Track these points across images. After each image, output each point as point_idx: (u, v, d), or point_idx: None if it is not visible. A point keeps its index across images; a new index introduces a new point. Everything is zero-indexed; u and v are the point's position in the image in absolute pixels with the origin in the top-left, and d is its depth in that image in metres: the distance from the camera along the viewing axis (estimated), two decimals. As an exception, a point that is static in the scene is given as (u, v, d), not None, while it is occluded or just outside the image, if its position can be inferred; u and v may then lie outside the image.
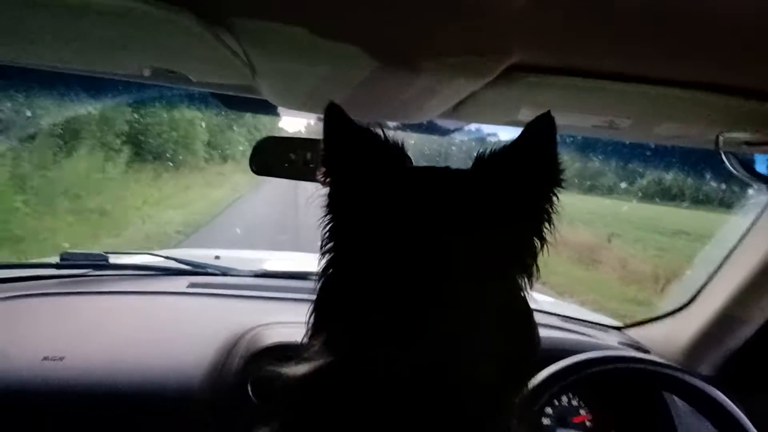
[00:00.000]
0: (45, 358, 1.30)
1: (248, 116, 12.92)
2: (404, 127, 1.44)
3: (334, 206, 0.84)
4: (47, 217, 7.30)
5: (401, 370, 0.68)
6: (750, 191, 1.54)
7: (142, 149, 10.86)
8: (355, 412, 0.67)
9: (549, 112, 0.79)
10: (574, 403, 1.64)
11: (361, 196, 0.81)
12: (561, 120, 0.81)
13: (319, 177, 0.85)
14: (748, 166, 1.22)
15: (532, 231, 0.82)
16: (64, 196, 8.03)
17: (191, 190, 11.91)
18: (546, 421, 1.60)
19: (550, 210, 0.82)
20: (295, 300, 1.78)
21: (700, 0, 0.65)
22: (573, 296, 6.78)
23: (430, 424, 0.66)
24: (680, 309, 1.71)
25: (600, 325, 1.95)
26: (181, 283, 1.82)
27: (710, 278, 1.61)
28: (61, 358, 1.31)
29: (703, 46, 0.76)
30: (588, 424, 1.63)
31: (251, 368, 1.36)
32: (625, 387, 1.62)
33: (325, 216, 0.84)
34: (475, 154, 0.84)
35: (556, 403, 1.62)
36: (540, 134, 0.81)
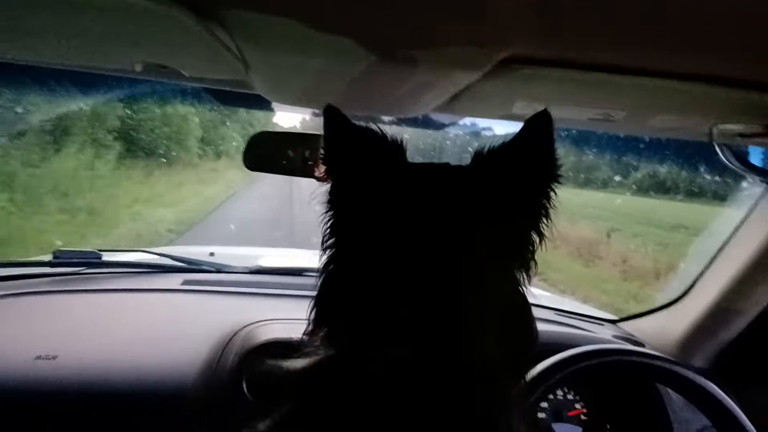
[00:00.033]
0: (38, 357, 1.29)
1: (242, 112, 12.85)
2: (399, 122, 1.43)
3: (334, 203, 0.85)
4: (34, 216, 7.17)
5: (402, 362, 0.68)
6: (744, 183, 1.55)
7: (134, 146, 10.70)
8: (356, 404, 0.67)
9: (546, 109, 0.81)
10: (569, 396, 1.65)
11: (362, 192, 0.82)
12: (556, 113, 0.81)
13: (320, 174, 0.86)
14: (741, 158, 1.23)
15: (530, 226, 0.83)
16: (52, 194, 7.88)
17: (184, 187, 11.75)
18: (541, 415, 1.61)
19: (548, 205, 0.83)
20: (290, 296, 1.78)
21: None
22: (575, 293, 6.75)
23: (431, 417, 0.67)
24: (674, 302, 1.72)
25: (594, 318, 1.96)
26: (175, 281, 1.82)
27: (704, 271, 1.61)
28: (54, 357, 1.30)
29: (698, 38, 0.76)
30: (583, 417, 1.64)
31: (246, 365, 1.36)
32: (619, 380, 1.62)
33: (326, 212, 0.85)
34: (474, 150, 0.85)
35: (551, 397, 1.63)
36: (538, 131, 0.82)
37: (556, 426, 1.61)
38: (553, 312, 1.92)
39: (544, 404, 1.62)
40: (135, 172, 10.55)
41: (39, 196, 7.59)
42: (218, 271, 1.95)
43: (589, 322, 1.92)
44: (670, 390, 1.53)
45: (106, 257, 1.85)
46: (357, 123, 0.85)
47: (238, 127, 14.53)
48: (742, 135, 1.10)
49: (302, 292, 1.78)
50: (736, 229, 1.51)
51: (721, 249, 1.55)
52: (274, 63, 0.95)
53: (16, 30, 0.89)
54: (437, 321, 0.72)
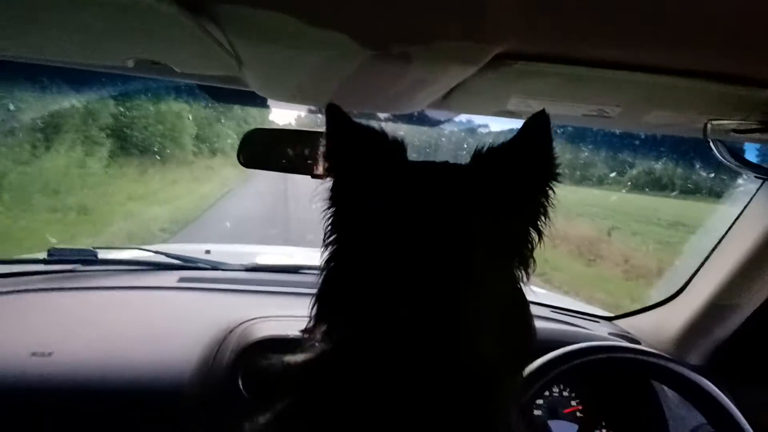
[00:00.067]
0: (33, 354, 1.29)
1: (237, 109, 12.79)
2: (395, 119, 1.43)
3: (336, 200, 0.86)
4: (22, 216, 7.02)
5: (401, 359, 0.70)
6: (739, 180, 1.55)
7: (127, 143, 10.53)
8: (355, 399, 0.68)
9: (544, 109, 0.83)
10: (565, 393, 1.65)
11: (363, 189, 0.83)
12: (551, 109, 0.82)
13: (320, 171, 0.87)
14: (736, 153, 1.22)
15: (529, 224, 0.85)
16: (42, 192, 7.72)
17: (178, 185, 11.62)
18: (537, 412, 1.61)
19: (547, 203, 0.85)
20: (286, 294, 1.78)
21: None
22: (579, 294, 6.62)
23: (429, 413, 0.68)
24: (670, 299, 1.72)
25: (590, 315, 1.96)
26: (171, 278, 1.82)
27: (700, 268, 1.62)
28: (50, 354, 1.30)
29: (693, 34, 0.76)
30: (579, 414, 1.64)
31: (242, 362, 1.36)
32: (615, 377, 1.63)
33: (328, 209, 0.86)
34: (473, 149, 0.86)
35: (547, 394, 1.63)
36: (536, 130, 0.84)
37: (552, 423, 1.61)
38: (548, 309, 1.92)
39: (540, 401, 1.62)
40: (128, 170, 10.41)
41: (28, 195, 7.46)
42: (214, 269, 1.95)
43: (585, 319, 1.92)
44: (665, 387, 1.53)
45: (102, 255, 1.85)
46: (358, 121, 0.85)
47: (234, 125, 14.44)
48: (736, 131, 1.10)
49: (298, 290, 1.79)
50: (732, 225, 1.51)
51: (716, 246, 1.56)
52: (267, 59, 0.95)
53: (12, 27, 0.88)
54: (436, 318, 0.73)
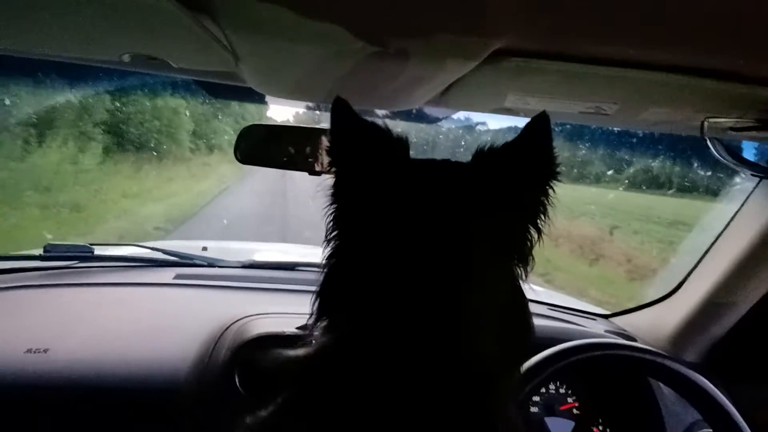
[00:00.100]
0: (28, 351, 1.29)
1: (235, 105, 12.72)
2: (393, 116, 1.43)
3: (338, 196, 0.87)
4: (12, 213, 6.88)
5: (401, 352, 0.71)
6: (736, 178, 1.55)
7: (123, 139, 10.43)
8: (354, 395, 0.69)
9: (545, 111, 0.83)
10: (561, 390, 1.66)
11: (365, 186, 0.83)
12: (548, 106, 0.82)
13: (320, 167, 0.87)
14: (733, 152, 1.23)
15: (528, 221, 0.85)
16: (33, 189, 7.55)
17: (174, 182, 11.53)
18: (533, 409, 1.61)
19: (546, 202, 0.85)
20: (283, 291, 1.78)
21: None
22: (583, 295, 6.44)
23: (428, 410, 0.68)
24: (666, 296, 1.73)
25: (587, 313, 1.96)
26: (167, 275, 1.81)
27: (696, 265, 1.62)
28: (45, 351, 1.30)
29: (690, 31, 0.76)
30: (575, 411, 1.64)
31: (238, 359, 1.36)
32: (611, 374, 1.63)
33: (330, 205, 0.86)
34: (475, 149, 0.86)
35: (543, 391, 1.63)
36: (537, 131, 0.84)
37: (548, 420, 1.62)
38: (545, 307, 1.93)
39: (537, 398, 1.62)
40: (123, 167, 10.29)
41: (19, 192, 7.31)
42: (211, 266, 1.94)
43: (582, 316, 1.92)
44: (661, 384, 1.53)
45: (98, 251, 1.85)
46: (364, 117, 0.86)
47: (231, 121, 14.38)
48: (733, 129, 1.10)
49: (295, 287, 1.79)
50: (728, 223, 1.51)
51: (713, 244, 1.56)
52: (263, 54, 0.95)
53: (10, 22, 0.88)
54: (437, 314, 0.74)
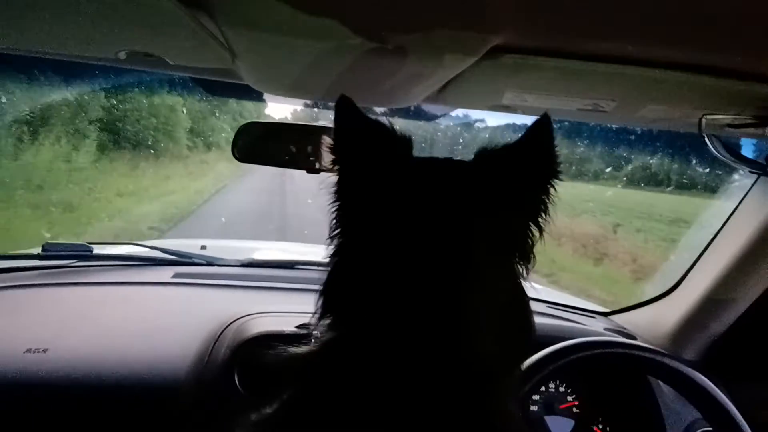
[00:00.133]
0: (27, 351, 1.29)
1: (232, 102, 12.64)
2: (391, 113, 1.43)
3: (342, 194, 0.87)
4: (1, 213, 6.72)
5: (403, 349, 0.71)
6: (734, 175, 1.55)
7: (119, 137, 10.26)
8: (357, 393, 0.70)
9: (547, 113, 0.84)
10: (561, 389, 1.66)
11: (369, 184, 0.84)
12: (546, 103, 0.82)
13: (327, 165, 0.88)
14: (731, 149, 1.23)
15: (530, 219, 0.86)
16: (24, 188, 7.35)
17: (171, 181, 11.38)
18: (533, 407, 1.61)
19: (547, 200, 0.86)
20: (282, 290, 1.78)
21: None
22: (590, 296, 6.16)
23: (429, 409, 0.69)
24: (666, 294, 1.72)
25: (586, 311, 1.96)
26: (166, 273, 1.81)
27: (695, 263, 1.62)
28: (45, 350, 1.30)
29: (689, 28, 0.76)
30: (575, 410, 1.64)
31: (238, 358, 1.36)
32: (611, 372, 1.63)
33: (334, 203, 0.87)
34: (478, 148, 0.87)
35: (543, 389, 1.63)
36: (540, 131, 0.85)
37: (548, 419, 1.62)
38: (544, 305, 1.93)
39: (536, 397, 1.62)
40: (119, 165, 10.14)
41: (11, 190, 7.16)
42: (209, 264, 1.94)
43: (581, 314, 1.92)
44: (661, 383, 1.53)
45: (97, 250, 1.85)
46: (368, 115, 0.86)
47: (229, 118, 14.30)
48: (731, 126, 1.10)
49: (294, 285, 1.79)
50: (727, 220, 1.51)
51: (711, 241, 1.56)
52: (261, 51, 0.95)
53: (7, 20, 0.88)
54: (438, 312, 0.74)
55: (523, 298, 0.85)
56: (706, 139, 1.18)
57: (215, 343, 1.39)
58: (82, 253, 1.80)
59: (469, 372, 0.73)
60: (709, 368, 1.40)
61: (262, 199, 11.38)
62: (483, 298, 0.78)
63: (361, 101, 0.86)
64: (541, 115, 0.84)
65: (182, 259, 1.94)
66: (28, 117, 7.44)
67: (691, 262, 1.63)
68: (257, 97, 1.43)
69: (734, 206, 1.49)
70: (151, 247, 1.99)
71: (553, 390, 1.65)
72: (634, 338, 1.71)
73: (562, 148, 0.87)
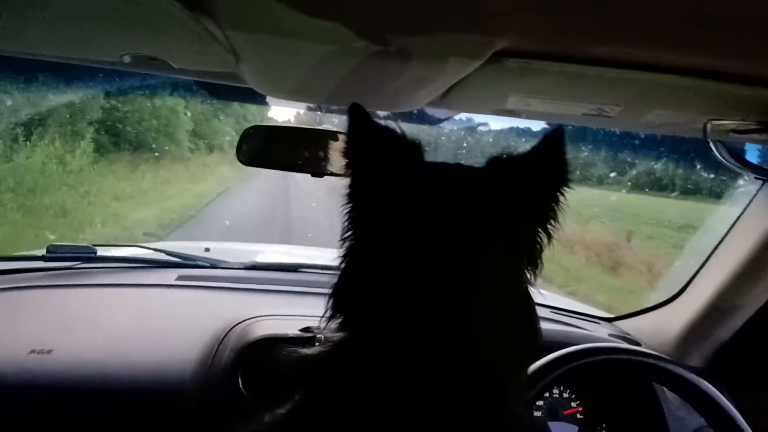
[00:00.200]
0: (32, 352, 1.29)
1: (236, 105, 12.58)
2: (394, 117, 1.43)
3: (354, 197, 0.88)
4: None
5: (411, 352, 0.73)
6: (739, 181, 1.54)
7: (119, 138, 10.18)
8: (367, 390, 0.72)
9: (561, 125, 0.88)
10: (565, 395, 1.65)
11: (381, 188, 0.85)
12: (550, 108, 0.82)
13: (339, 170, 0.90)
14: (736, 154, 1.22)
15: (539, 226, 0.87)
16: (15, 191, 7.09)
17: (171, 184, 11.19)
18: (537, 413, 1.61)
19: (557, 207, 0.87)
20: (286, 293, 1.78)
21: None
22: (612, 311, 6.03)
23: (437, 413, 0.70)
24: (670, 300, 1.71)
25: (591, 316, 1.95)
26: (170, 276, 1.81)
27: (700, 269, 1.61)
28: (49, 352, 1.30)
29: (693, 32, 0.76)
30: (579, 416, 1.64)
31: (241, 361, 1.36)
32: (615, 379, 1.62)
33: (346, 206, 0.88)
34: (490, 156, 0.88)
35: (547, 395, 1.63)
36: (552, 142, 0.87)
37: (552, 424, 1.61)
38: (549, 310, 1.92)
39: (540, 402, 1.62)
40: (118, 167, 9.96)
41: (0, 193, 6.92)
42: (213, 267, 1.94)
43: (586, 320, 1.91)
44: (666, 389, 1.53)
45: (101, 252, 1.85)
46: (379, 121, 0.88)
47: (232, 121, 14.27)
48: (736, 131, 1.09)
49: (298, 289, 1.79)
50: (732, 226, 1.50)
51: (716, 247, 1.55)
52: (265, 54, 0.95)
53: (9, 23, 0.88)
54: (447, 316, 0.76)
55: (530, 304, 0.87)
56: (711, 144, 1.18)
57: (219, 345, 1.39)
58: (86, 255, 1.81)
59: (477, 375, 0.74)
60: (713, 375, 1.40)
61: (265, 202, 11.35)
62: (491, 302, 0.79)
63: (365, 105, 0.86)
64: (555, 128, 0.86)
65: (186, 262, 1.94)
66: (25, 118, 7.32)
67: (695, 268, 1.62)
68: (260, 100, 1.43)
69: (739, 212, 1.48)
70: (154, 250, 1.99)
71: (557, 396, 1.64)
72: (639, 344, 1.70)
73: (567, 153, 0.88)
